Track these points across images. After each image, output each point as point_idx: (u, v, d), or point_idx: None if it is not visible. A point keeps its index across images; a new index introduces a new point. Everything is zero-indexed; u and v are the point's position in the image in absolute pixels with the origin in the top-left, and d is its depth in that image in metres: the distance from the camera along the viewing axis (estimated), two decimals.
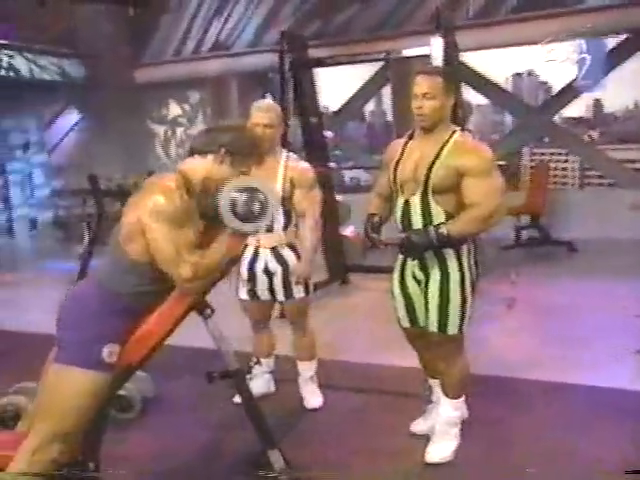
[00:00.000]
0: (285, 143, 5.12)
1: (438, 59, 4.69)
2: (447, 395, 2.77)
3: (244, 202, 2.01)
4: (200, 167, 2.12)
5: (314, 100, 5.67)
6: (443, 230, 2.48)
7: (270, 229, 3.18)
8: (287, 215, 3.19)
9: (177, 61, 10.10)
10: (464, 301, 2.62)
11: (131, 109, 10.01)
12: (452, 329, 2.64)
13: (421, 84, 2.55)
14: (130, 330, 2.06)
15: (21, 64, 9.20)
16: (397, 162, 2.66)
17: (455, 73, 2.73)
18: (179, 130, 10.46)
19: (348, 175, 10.48)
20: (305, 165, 3.28)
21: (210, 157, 2.12)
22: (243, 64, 8.98)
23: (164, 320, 2.09)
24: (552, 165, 8.21)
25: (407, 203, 2.63)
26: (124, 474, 2.38)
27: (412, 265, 2.68)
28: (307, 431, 3.18)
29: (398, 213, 2.67)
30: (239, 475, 2.65)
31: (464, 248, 2.63)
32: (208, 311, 2.23)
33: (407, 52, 4.92)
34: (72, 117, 10.72)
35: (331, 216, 5.45)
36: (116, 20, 9.63)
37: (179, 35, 10.10)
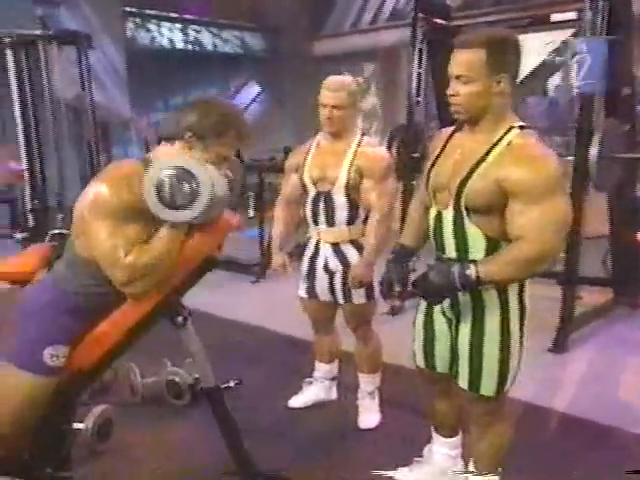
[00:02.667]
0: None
1: (597, 23, 3.88)
2: (477, 467, 2.13)
3: (171, 185, 1.72)
4: (168, 155, 1.85)
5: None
6: (470, 272, 1.78)
7: (331, 222, 2.85)
8: (352, 207, 2.80)
9: (354, 32, 9.88)
10: (505, 356, 1.93)
11: (308, 82, 10.04)
12: (486, 389, 1.97)
13: (454, 62, 1.83)
14: (83, 333, 1.89)
15: (206, 38, 9.67)
16: (434, 161, 2.02)
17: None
18: None
19: None
20: (379, 152, 2.84)
21: (178, 143, 1.85)
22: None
23: (119, 323, 1.88)
24: None
25: (439, 217, 1.98)
26: None
27: None
28: (348, 454, 2.81)
29: (431, 226, 2.04)
30: None
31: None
32: (180, 318, 1.99)
33: (556, 17, 4.10)
34: (253, 90, 11.09)
35: (623, 217, 4.40)
36: None
37: (358, 5, 9.85)
